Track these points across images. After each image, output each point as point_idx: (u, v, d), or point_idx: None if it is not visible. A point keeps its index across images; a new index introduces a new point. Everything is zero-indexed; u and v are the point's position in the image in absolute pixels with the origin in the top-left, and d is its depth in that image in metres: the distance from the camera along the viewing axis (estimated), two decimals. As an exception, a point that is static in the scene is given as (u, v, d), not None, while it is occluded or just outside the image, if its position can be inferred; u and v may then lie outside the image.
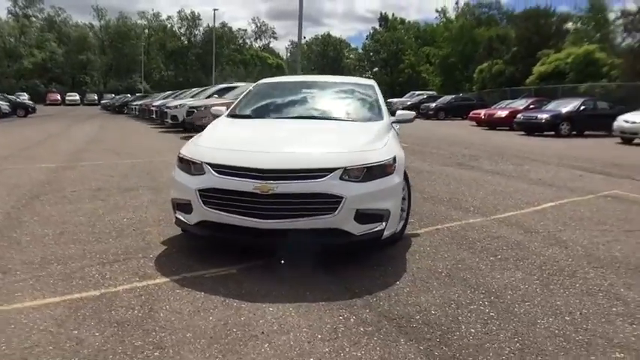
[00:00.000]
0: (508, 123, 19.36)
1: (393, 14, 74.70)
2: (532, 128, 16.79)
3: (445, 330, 2.56)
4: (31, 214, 4.74)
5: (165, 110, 15.23)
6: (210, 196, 3.31)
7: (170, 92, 23.83)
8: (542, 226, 4.63)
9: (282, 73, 71.63)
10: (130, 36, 67.71)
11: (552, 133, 16.25)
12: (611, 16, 29.73)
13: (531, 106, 20.15)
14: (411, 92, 40.14)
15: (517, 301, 2.93)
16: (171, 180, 3.73)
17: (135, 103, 26.66)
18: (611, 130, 15.71)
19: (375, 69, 73.10)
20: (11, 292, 2.90)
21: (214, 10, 55.61)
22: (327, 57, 77.28)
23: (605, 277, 3.34)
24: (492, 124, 20.43)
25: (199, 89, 18.77)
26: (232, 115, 4.62)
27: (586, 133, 16.94)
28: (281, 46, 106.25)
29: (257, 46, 77.11)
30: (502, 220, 4.84)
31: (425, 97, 34.51)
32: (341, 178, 3.24)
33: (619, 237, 4.30)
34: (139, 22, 71.84)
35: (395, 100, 35.15)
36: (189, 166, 3.52)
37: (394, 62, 68.59)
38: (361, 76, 76.11)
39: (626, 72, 22.60)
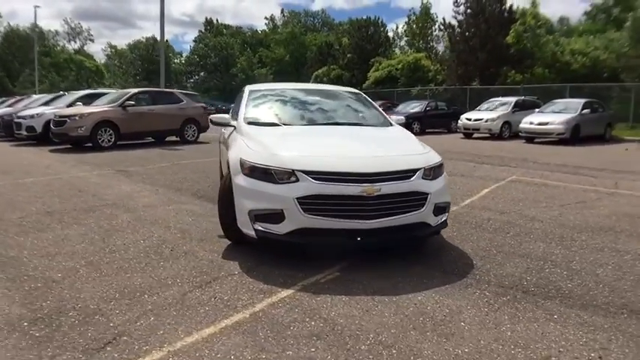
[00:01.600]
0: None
1: (217, 20, 74.44)
2: (390, 129, 19.02)
3: (553, 287, 3.22)
4: (15, 249, 3.87)
5: (19, 121, 12.80)
6: (310, 203, 3.34)
7: None
8: (505, 208, 5.68)
9: (102, 78, 65.04)
10: None
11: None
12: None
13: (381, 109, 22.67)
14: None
15: (567, 261, 3.75)
16: (244, 191, 3.56)
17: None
18: (449, 128, 18.82)
19: (202, 73, 71.66)
20: (149, 332, 2.53)
21: (35, 7, 48.03)
22: (153, 61, 72.75)
23: (593, 238, 4.43)
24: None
25: (51, 96, 16.09)
26: (253, 123, 4.50)
27: (428, 130, 19.92)
28: (95, 49, 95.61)
29: (71, 48, 68.42)
30: (472, 207, 5.76)
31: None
32: (423, 178, 3.63)
33: (562, 210, 5.57)
34: None
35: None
36: (271, 175, 3.45)
37: (225, 67, 68.53)
38: (189, 81, 72.75)
39: (449, 77, 27.15)
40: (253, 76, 64.08)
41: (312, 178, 3.37)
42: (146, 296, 2.98)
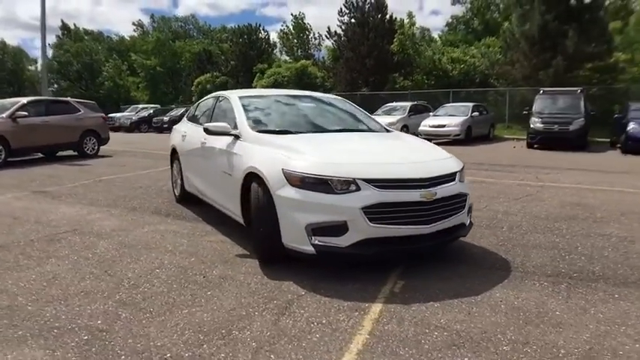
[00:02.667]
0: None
1: (74, 24, 67.47)
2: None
3: (588, 272, 3.59)
4: (2, 297, 3.06)
5: None
6: (374, 212, 3.25)
7: None
8: (474, 205, 6.11)
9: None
10: None
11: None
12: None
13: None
14: (133, 106, 37.90)
15: (574, 248, 4.20)
16: (297, 204, 3.31)
17: None
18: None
19: (63, 81, 64.32)
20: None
21: None
22: (4, 69, 63.17)
23: (572, 226, 5.00)
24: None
25: None
26: (263, 132, 4.21)
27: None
28: None
29: None
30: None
31: (152, 111, 33.37)
32: (459, 180, 3.77)
33: (521, 204, 6.19)
34: None
35: (117, 115, 32.56)
36: (328, 184, 3.28)
37: (90, 75, 62.52)
38: (50, 88, 65.10)
39: (338, 83, 28.20)
40: (123, 84, 59.52)
41: (375, 186, 3.28)
42: (236, 332, 2.61)
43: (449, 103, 19.67)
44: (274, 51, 40.59)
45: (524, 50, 19.48)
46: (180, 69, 52.52)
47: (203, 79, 40.07)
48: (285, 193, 3.38)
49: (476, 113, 16.62)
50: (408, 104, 18.57)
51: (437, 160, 3.83)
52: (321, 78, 30.70)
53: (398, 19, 26.94)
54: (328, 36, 29.33)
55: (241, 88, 36.51)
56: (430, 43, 27.84)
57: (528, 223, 5.08)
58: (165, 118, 27.37)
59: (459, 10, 41.02)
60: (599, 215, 5.40)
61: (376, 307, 2.94)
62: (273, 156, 3.66)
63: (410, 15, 26.64)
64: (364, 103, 24.58)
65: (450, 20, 42.10)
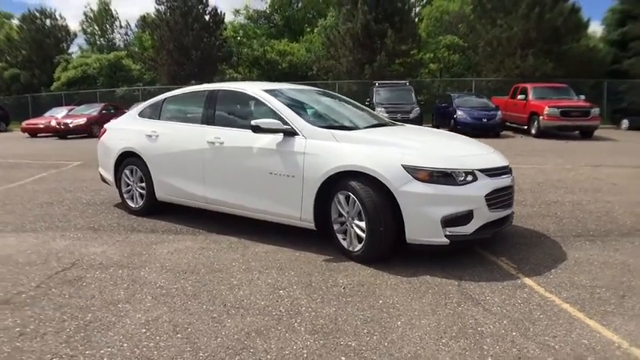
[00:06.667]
0: (86, 130, 18.81)
1: None
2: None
3: (600, 230, 4.62)
4: None
5: None
6: (490, 199, 3.60)
7: None
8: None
9: None
10: None
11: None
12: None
13: (103, 111, 20.24)
14: None
15: (556, 212, 5.27)
16: (430, 198, 3.40)
17: None
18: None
19: None
20: None
21: None
22: None
23: (526, 196, 6.12)
24: (70, 132, 18.97)
25: None
26: (328, 127, 4.05)
27: None
28: None
29: None
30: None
31: None
32: None
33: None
34: None
35: None
36: (451, 177, 3.49)
37: None
38: None
39: (161, 76, 26.08)
40: None
41: (487, 175, 3.63)
42: (481, 329, 2.64)
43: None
44: (75, 40, 35.07)
45: (349, 46, 21.61)
46: None
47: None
48: (413, 188, 3.42)
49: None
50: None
51: (496, 150, 4.33)
52: (138, 71, 28.02)
53: (222, 12, 26.48)
54: (144, 25, 26.76)
55: (38, 82, 30.29)
56: (258, 37, 28.19)
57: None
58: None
59: (259, 4, 42.22)
60: (527, 187, 6.72)
61: (526, 281, 3.32)
62: (379, 153, 3.63)
63: (246, 7, 26.58)
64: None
65: (252, 13, 42.96)
